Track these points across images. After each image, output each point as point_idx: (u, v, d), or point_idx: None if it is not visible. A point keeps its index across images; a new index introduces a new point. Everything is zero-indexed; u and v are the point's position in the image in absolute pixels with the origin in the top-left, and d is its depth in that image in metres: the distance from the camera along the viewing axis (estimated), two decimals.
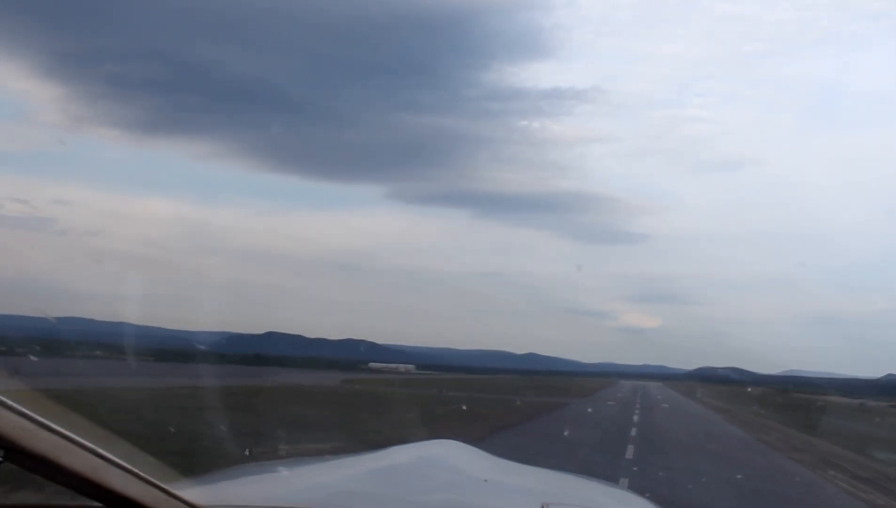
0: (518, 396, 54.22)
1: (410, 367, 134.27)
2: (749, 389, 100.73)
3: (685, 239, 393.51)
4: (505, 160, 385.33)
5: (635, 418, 38.86)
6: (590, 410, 45.27)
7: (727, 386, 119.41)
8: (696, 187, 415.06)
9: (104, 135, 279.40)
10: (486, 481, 3.17)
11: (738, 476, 19.26)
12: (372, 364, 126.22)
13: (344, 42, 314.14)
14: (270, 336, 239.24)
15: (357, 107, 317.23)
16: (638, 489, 5.03)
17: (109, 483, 1.76)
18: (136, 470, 1.83)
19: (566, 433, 29.02)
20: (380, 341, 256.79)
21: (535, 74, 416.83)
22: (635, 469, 18.87)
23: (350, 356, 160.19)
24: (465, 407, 40.23)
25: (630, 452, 22.93)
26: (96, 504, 1.84)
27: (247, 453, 13.55)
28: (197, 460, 11.46)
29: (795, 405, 60.46)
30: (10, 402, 1.51)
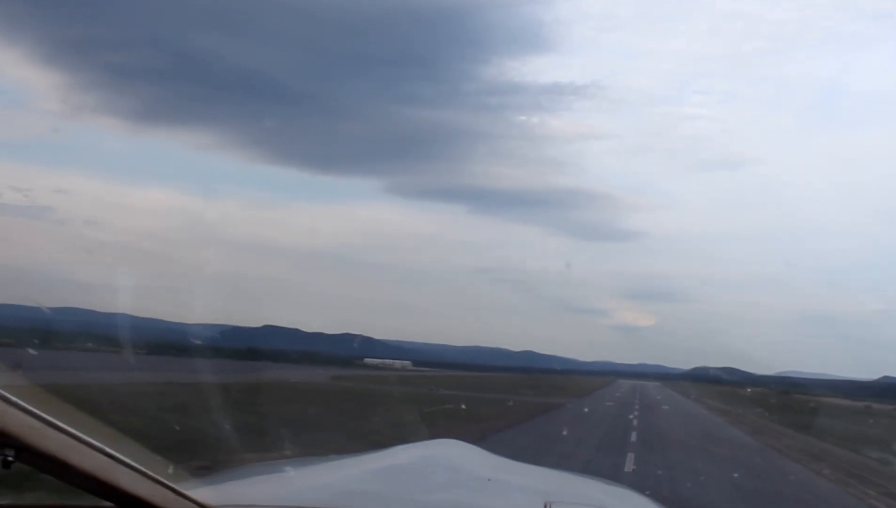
0: (513, 395, 51.93)
1: (406, 363, 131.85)
2: (748, 390, 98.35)
3: (683, 237, 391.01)
4: (503, 155, 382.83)
5: (634, 421, 36.38)
6: (586, 411, 42.90)
7: (724, 387, 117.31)
8: (694, 186, 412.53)
9: (104, 124, 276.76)
10: (489, 480, 3.15)
11: (754, 485, 16.83)
12: (367, 360, 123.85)
13: (343, 34, 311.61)
14: (267, 330, 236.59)
15: (355, 99, 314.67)
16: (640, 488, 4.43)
17: (118, 482, 1.77)
18: (144, 469, 1.83)
19: (563, 435, 26.75)
20: (377, 336, 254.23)
21: (535, 69, 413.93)
22: (636, 477, 16.55)
23: (347, 351, 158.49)
24: (458, 406, 38.25)
25: (630, 462, 20.51)
26: (106, 503, 1.85)
27: (170, 471, 11.03)
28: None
29: (798, 407, 58.04)
30: (20, 402, 1.51)
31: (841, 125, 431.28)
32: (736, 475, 19.63)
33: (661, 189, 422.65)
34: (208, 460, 12.64)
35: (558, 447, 23.10)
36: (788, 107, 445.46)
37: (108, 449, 1.73)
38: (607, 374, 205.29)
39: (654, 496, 3.91)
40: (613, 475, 17.26)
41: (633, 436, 28.96)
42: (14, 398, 1.50)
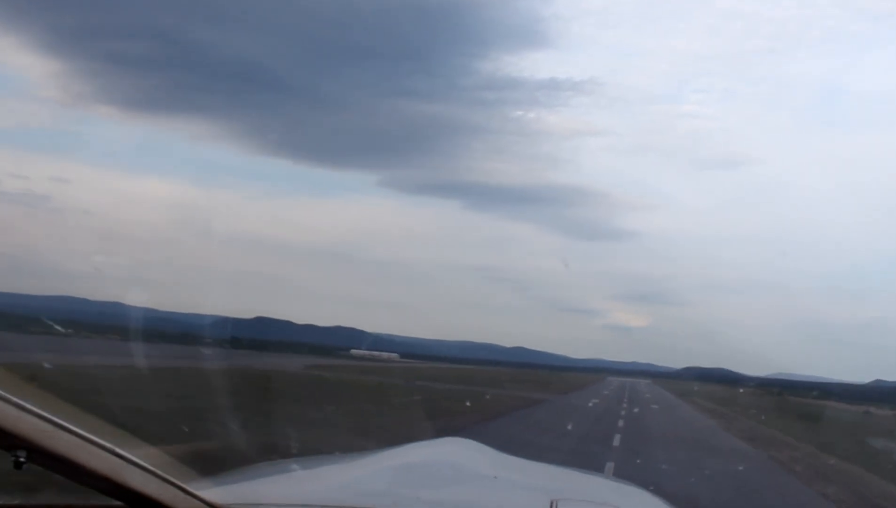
0: (493, 389, 48.39)
1: (393, 355, 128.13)
2: (740, 390, 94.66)
3: (679, 237, 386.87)
4: (499, 151, 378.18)
5: (620, 422, 32.58)
6: (568, 409, 39.18)
7: (716, 386, 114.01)
8: (691, 185, 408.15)
9: (102, 113, 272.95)
10: (496, 478, 3.14)
11: None
12: (354, 351, 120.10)
13: (340, 27, 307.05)
14: (260, 321, 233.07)
15: (351, 92, 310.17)
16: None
17: (128, 481, 1.78)
18: (154, 469, 1.83)
19: (535, 436, 23.00)
20: (369, 329, 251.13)
21: (533, 64, 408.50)
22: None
23: (338, 344, 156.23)
24: (429, 397, 35.11)
25: (608, 473, 16.73)
26: (116, 502, 1.86)
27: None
28: None
29: (794, 411, 54.34)
30: (29, 405, 1.54)
31: (840, 127, 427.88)
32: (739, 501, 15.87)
33: (658, 188, 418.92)
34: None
35: (526, 451, 19.37)
36: (787, 107, 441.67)
37: (117, 449, 1.74)
38: (598, 371, 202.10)
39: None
40: None
41: (617, 440, 25.21)
42: (25, 403, 1.52)
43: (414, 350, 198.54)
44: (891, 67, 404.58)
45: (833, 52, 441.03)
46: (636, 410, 44.00)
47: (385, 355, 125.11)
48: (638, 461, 19.62)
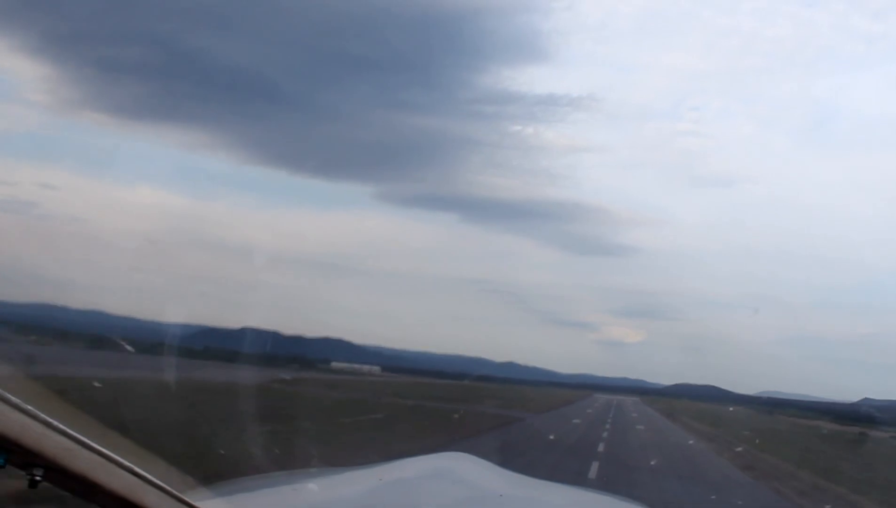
0: (469, 406, 44.21)
1: (375, 368, 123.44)
2: (730, 409, 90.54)
3: (673, 254, 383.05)
4: (496, 165, 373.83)
5: (601, 446, 28.38)
6: (546, 430, 35.00)
7: (705, 405, 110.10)
8: (687, 202, 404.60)
9: (92, 119, 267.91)
10: (501, 496, 3.08)
11: None
12: (334, 364, 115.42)
13: (338, 37, 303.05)
14: (246, 332, 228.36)
15: (348, 104, 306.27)
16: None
17: (145, 503, 1.71)
18: (171, 490, 1.78)
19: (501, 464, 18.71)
20: (357, 341, 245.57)
21: (531, 79, 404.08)
22: None
23: (325, 355, 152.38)
24: (390, 416, 31.39)
25: None
26: None
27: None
28: None
29: (792, 433, 50.30)
30: (55, 422, 1.49)
31: (834, 146, 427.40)
32: None
33: (654, 204, 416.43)
34: None
35: None
36: (782, 126, 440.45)
37: (136, 469, 1.68)
38: (586, 387, 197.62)
39: None
40: None
41: (594, 469, 21.08)
42: (51, 420, 1.46)
43: (401, 363, 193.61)
44: (884, 88, 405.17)
45: (828, 72, 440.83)
46: (619, 431, 39.90)
47: (366, 368, 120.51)
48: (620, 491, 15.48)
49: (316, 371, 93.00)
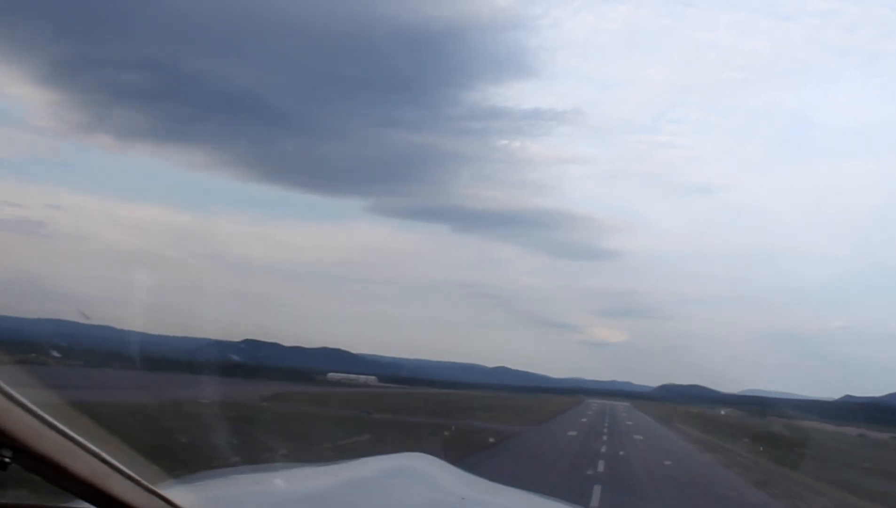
0: (461, 420, 40.91)
1: (371, 379, 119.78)
2: (722, 412, 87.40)
3: (655, 258, 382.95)
4: (485, 178, 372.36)
5: (600, 465, 25.14)
6: (542, 446, 31.86)
7: (696, 407, 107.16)
8: (668, 209, 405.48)
9: (97, 142, 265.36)
10: (462, 499, 3.00)
11: None
12: (330, 375, 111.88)
13: (330, 58, 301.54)
14: (248, 344, 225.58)
15: (341, 122, 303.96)
16: None
17: (111, 489, 1.66)
18: (137, 477, 1.74)
19: None
20: (355, 351, 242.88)
21: (517, 94, 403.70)
22: None
23: (324, 365, 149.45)
24: (378, 436, 27.89)
25: None
26: None
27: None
28: None
29: (792, 437, 47.14)
30: (20, 397, 1.40)
31: (808, 156, 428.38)
32: None
33: (637, 212, 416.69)
34: None
35: None
36: (759, 136, 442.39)
37: (104, 455, 1.61)
38: (577, 392, 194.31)
39: None
40: None
41: (596, 496, 17.90)
42: (18, 396, 1.37)
43: (397, 372, 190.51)
44: (855, 99, 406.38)
45: (801, 84, 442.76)
46: (618, 444, 36.71)
47: (363, 378, 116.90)
48: None
49: (312, 384, 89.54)
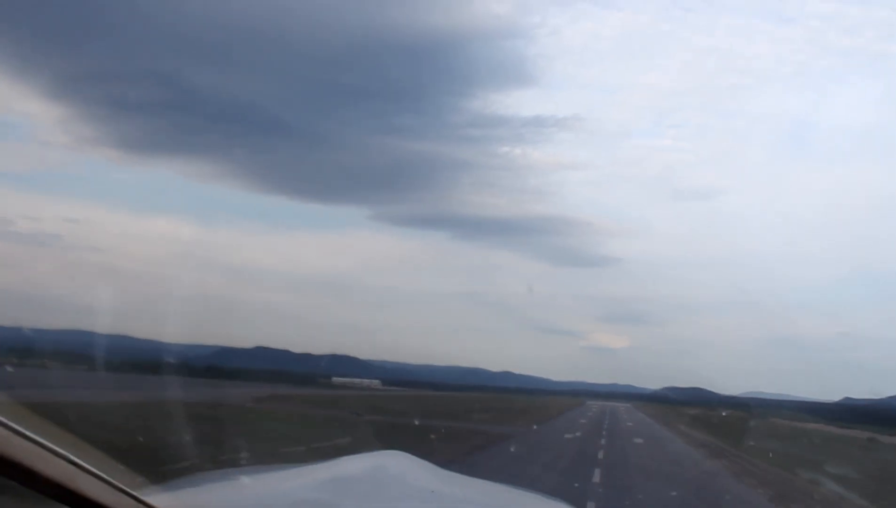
0: (454, 422, 37.65)
1: (374, 382, 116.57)
2: (723, 413, 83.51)
3: (657, 263, 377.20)
4: (486, 185, 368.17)
5: (596, 474, 21.76)
6: (537, 449, 28.54)
7: (696, 409, 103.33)
8: (668, 214, 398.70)
9: (107, 155, 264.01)
10: (432, 492, 2.98)
11: None
12: (334, 379, 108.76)
13: (333, 68, 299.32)
14: (259, 351, 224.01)
15: (344, 131, 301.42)
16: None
17: (83, 490, 1.66)
18: (108, 478, 1.73)
19: None
20: (362, 356, 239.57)
21: (518, 102, 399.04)
22: None
23: (333, 371, 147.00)
24: (357, 438, 24.85)
25: None
26: None
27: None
28: None
29: (793, 438, 43.53)
30: None
31: (809, 160, 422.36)
32: None
33: (638, 217, 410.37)
34: None
35: None
36: (759, 140, 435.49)
37: (73, 458, 1.61)
38: (579, 394, 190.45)
39: None
40: None
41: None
42: None
43: (403, 376, 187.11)
44: (857, 100, 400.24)
45: (802, 87, 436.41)
46: (617, 446, 33.29)
47: (366, 382, 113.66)
48: None
49: (316, 387, 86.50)
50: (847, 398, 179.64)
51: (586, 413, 72.67)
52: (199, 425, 25.45)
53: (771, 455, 31.94)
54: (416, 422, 34.53)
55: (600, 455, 27.87)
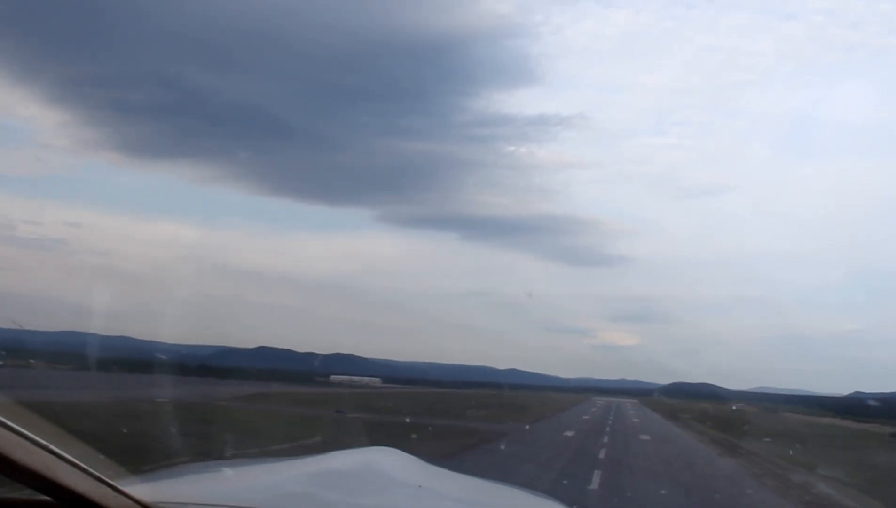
0: (448, 419, 34.52)
1: (374, 380, 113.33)
2: (733, 407, 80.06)
3: (664, 261, 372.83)
4: (492, 184, 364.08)
5: (595, 479, 18.46)
6: (531, 449, 25.33)
7: (705, 403, 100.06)
8: (674, 212, 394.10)
9: (109, 159, 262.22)
10: (420, 487, 2.93)
11: None
12: (333, 377, 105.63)
13: (336, 69, 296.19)
14: (262, 350, 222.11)
15: (349, 132, 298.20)
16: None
17: (60, 479, 1.65)
18: (86, 467, 1.72)
19: None
20: (367, 355, 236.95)
21: (522, 101, 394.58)
22: None
23: (336, 370, 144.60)
24: (328, 438, 21.75)
25: None
26: (46, 498, 1.73)
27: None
28: None
29: (813, 433, 40.18)
30: None
31: (816, 155, 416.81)
32: None
33: (644, 216, 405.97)
34: None
35: None
36: (764, 137, 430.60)
37: (50, 446, 1.60)
38: (586, 390, 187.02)
39: None
40: None
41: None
42: None
43: (411, 374, 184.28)
44: (862, 96, 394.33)
45: (806, 83, 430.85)
46: (621, 444, 30.02)
47: (366, 380, 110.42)
48: None
49: (311, 385, 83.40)
50: (857, 392, 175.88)
51: (590, 409, 69.26)
52: (160, 422, 22.43)
53: (791, 452, 28.66)
54: (404, 420, 31.51)
55: (602, 454, 24.61)
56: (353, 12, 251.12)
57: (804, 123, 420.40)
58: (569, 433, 33.42)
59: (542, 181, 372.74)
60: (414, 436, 24.90)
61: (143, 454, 11.36)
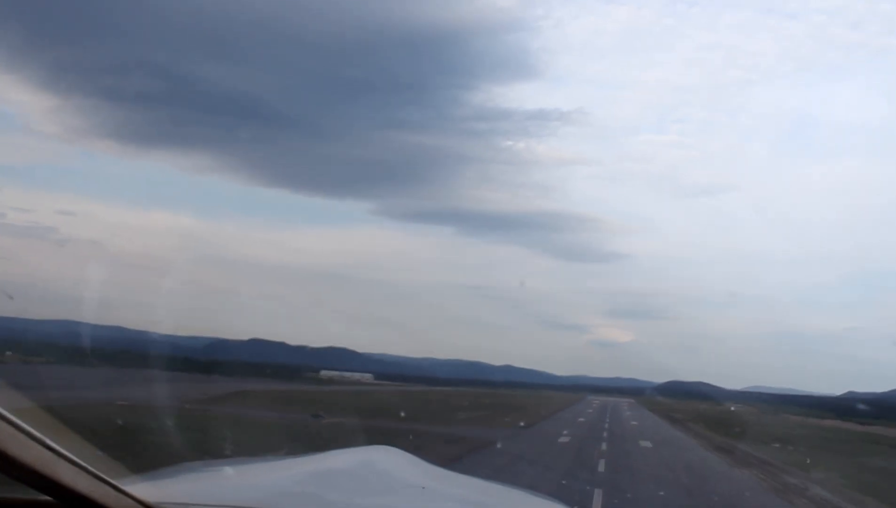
0: (434, 424, 31.85)
1: (366, 376, 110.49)
2: (732, 408, 77.66)
3: (661, 259, 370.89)
4: (490, 179, 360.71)
5: (597, 498, 15.73)
6: (523, 456, 22.71)
7: (702, 403, 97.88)
8: (673, 210, 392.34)
9: (102, 147, 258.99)
10: (423, 488, 2.86)
11: None
12: (323, 373, 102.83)
13: (334, 61, 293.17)
14: (254, 343, 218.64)
15: (346, 125, 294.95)
16: None
17: (60, 477, 1.60)
18: (85, 465, 1.67)
19: None
20: (361, 350, 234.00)
21: (521, 95, 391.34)
22: None
23: (328, 364, 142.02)
24: (284, 452, 18.07)
25: None
26: (46, 497, 1.68)
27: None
28: None
29: (823, 438, 37.63)
30: None
31: (815, 155, 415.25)
32: None
33: (643, 213, 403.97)
34: None
35: None
36: (764, 136, 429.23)
37: (50, 443, 1.54)
38: (581, 389, 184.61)
39: None
40: None
41: None
42: None
43: (402, 370, 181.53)
44: (862, 95, 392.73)
45: (807, 82, 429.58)
46: (622, 453, 27.34)
47: (357, 376, 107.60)
48: None
49: (298, 382, 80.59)
50: (850, 392, 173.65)
51: (586, 411, 66.65)
52: (90, 430, 19.48)
53: (809, 461, 26.03)
54: (387, 425, 28.80)
55: (601, 466, 21.90)
56: (353, 3, 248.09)
57: (804, 122, 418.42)
58: (564, 440, 30.72)
59: (541, 177, 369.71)
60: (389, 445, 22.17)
61: None
